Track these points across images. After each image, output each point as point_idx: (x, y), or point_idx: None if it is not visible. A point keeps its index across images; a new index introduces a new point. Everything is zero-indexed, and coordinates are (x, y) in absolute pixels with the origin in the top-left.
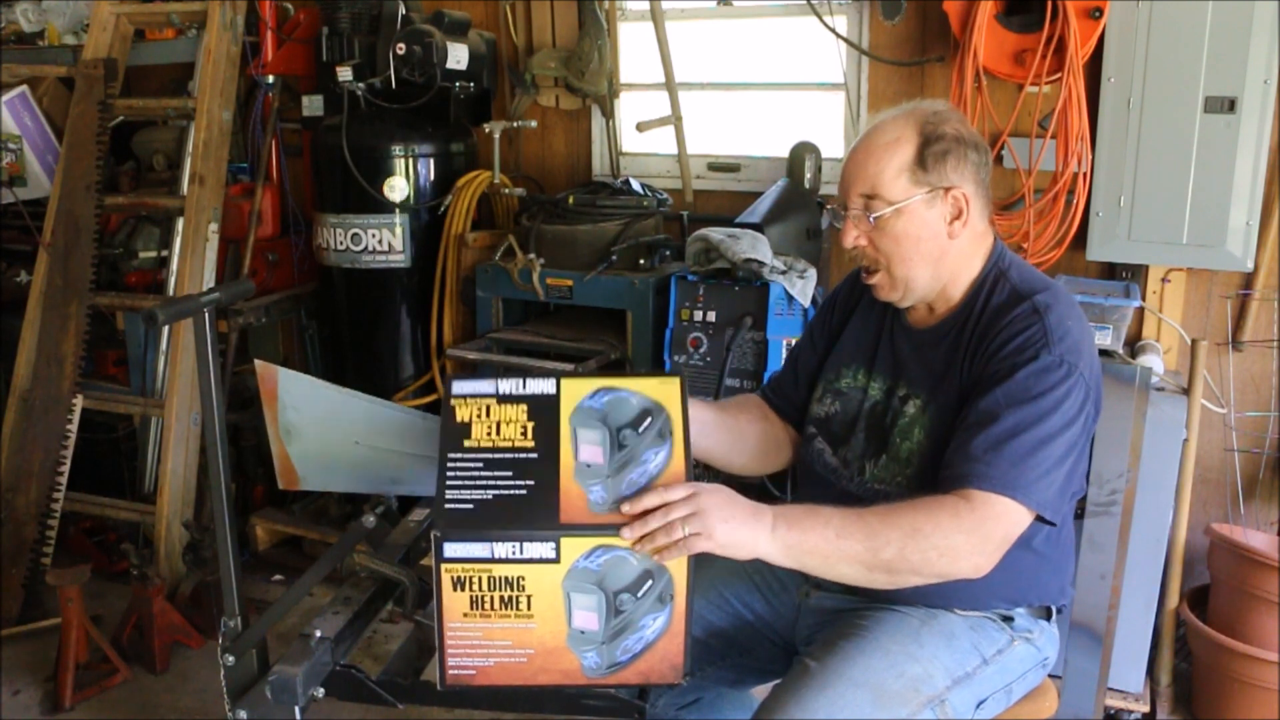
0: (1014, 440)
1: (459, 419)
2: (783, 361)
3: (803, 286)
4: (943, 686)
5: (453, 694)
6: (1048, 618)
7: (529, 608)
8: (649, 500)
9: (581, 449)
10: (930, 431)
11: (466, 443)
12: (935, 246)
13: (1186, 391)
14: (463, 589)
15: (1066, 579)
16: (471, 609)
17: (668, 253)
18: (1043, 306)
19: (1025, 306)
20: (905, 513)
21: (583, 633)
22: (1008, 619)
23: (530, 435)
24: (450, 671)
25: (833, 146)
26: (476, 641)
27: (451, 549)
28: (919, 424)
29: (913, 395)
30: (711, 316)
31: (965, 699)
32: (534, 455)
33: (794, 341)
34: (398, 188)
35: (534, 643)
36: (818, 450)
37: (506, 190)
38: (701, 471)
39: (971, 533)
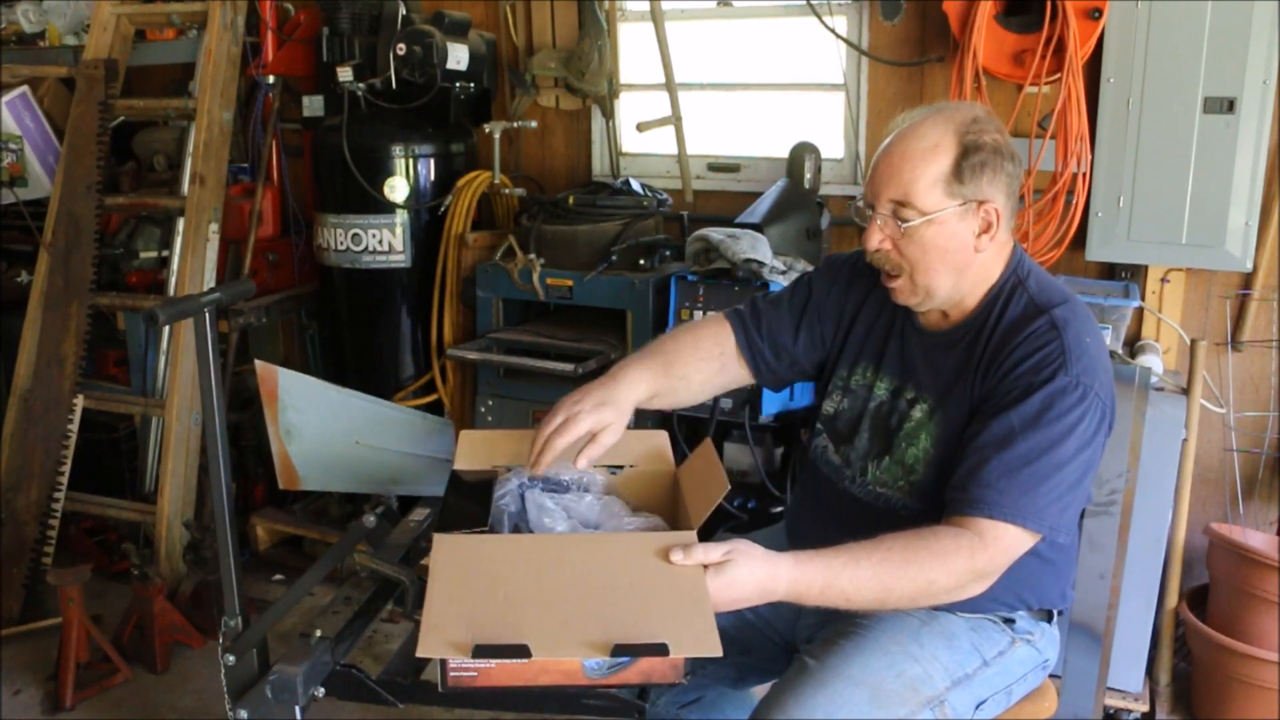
0: (1029, 467)
1: None
2: (758, 313)
3: None
4: (942, 687)
5: (453, 694)
6: (1049, 620)
7: None
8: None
9: None
10: (938, 440)
11: None
12: (961, 258)
13: (1186, 391)
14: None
15: (1068, 583)
16: None
17: (668, 253)
18: (1060, 322)
19: (1043, 321)
20: (919, 562)
21: None
22: (1009, 621)
23: None
24: (452, 674)
25: (833, 147)
26: None
27: None
28: (926, 430)
29: (920, 399)
30: None
31: (965, 700)
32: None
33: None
34: (398, 188)
35: None
36: (820, 447)
37: (506, 190)
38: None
39: (984, 574)
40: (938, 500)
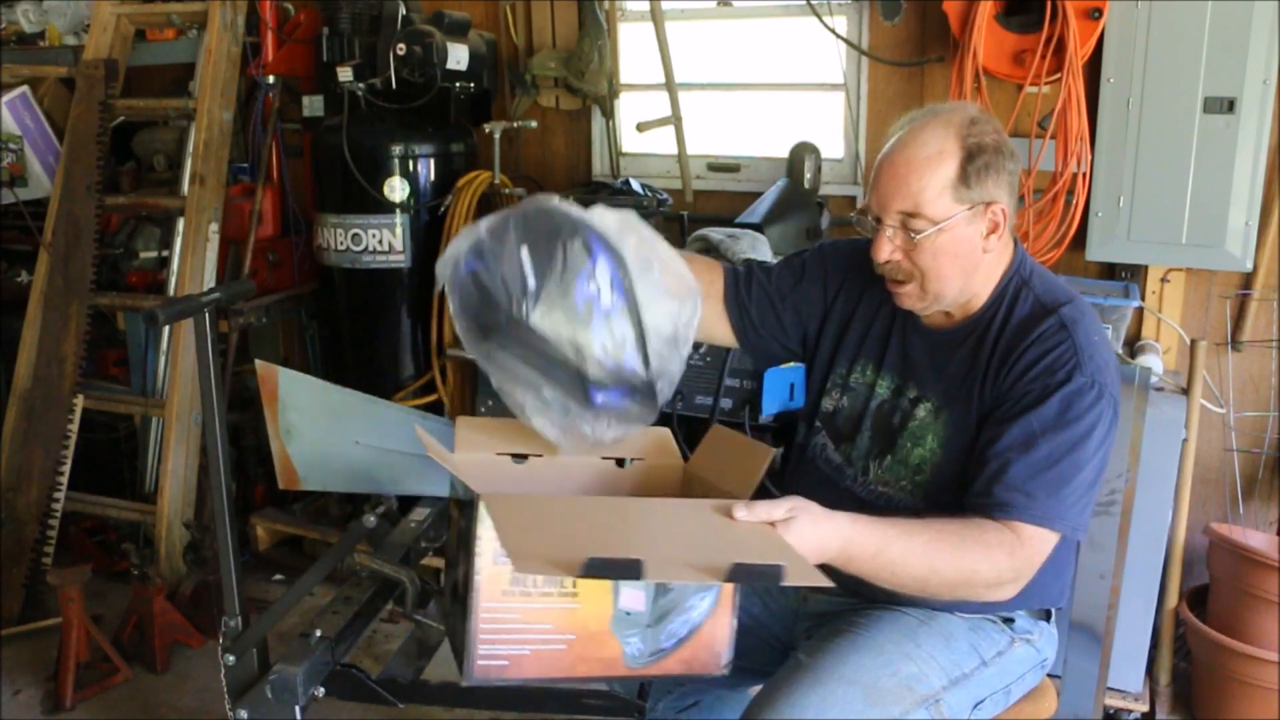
0: (1052, 469)
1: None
2: (751, 275)
3: None
4: (938, 686)
5: (452, 693)
6: (1047, 619)
7: (574, 585)
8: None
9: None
10: (946, 442)
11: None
12: (970, 261)
13: (1186, 391)
14: (505, 561)
15: (1067, 580)
16: (512, 586)
17: None
18: (1069, 321)
19: (1052, 321)
20: (967, 548)
21: (628, 614)
22: (1008, 620)
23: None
24: (480, 662)
25: (833, 147)
26: (514, 625)
27: None
28: (932, 431)
29: (924, 398)
30: None
31: (962, 699)
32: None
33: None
34: (398, 188)
35: (576, 626)
36: (819, 445)
37: (507, 190)
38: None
39: (1019, 576)
40: (943, 500)
